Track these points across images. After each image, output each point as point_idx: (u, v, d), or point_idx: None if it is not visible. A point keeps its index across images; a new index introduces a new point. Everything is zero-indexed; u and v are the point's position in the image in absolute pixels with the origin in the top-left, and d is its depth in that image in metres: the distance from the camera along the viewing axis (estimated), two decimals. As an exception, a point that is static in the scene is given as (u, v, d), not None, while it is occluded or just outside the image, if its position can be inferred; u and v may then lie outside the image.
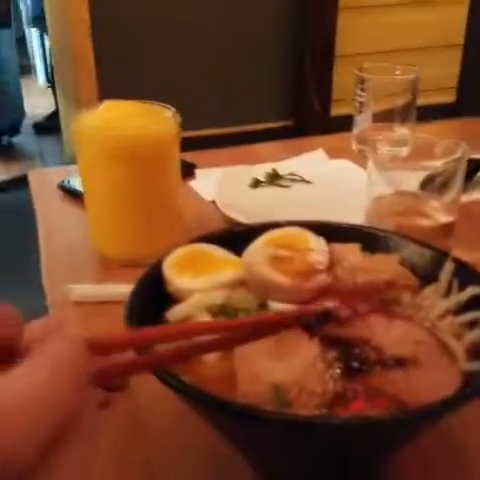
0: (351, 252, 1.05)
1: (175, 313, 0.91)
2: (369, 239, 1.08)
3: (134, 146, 1.01)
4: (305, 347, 0.84)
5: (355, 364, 0.83)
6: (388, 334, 0.88)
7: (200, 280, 0.95)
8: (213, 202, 1.70)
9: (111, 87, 3.19)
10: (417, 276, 1.02)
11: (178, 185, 1.18)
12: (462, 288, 0.95)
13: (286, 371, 0.80)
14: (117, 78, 3.55)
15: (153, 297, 0.92)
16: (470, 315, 0.90)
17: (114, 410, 0.93)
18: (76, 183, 1.35)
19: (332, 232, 1.10)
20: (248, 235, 1.08)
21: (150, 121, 1.04)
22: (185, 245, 1.02)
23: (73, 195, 1.38)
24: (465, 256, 1.18)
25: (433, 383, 0.78)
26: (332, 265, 1.00)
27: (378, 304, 0.94)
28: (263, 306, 0.91)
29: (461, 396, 0.71)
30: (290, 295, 0.91)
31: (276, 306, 0.90)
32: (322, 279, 0.93)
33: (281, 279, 0.92)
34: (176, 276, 0.96)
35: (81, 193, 1.14)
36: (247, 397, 0.77)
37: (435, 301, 0.95)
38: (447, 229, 1.46)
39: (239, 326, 0.66)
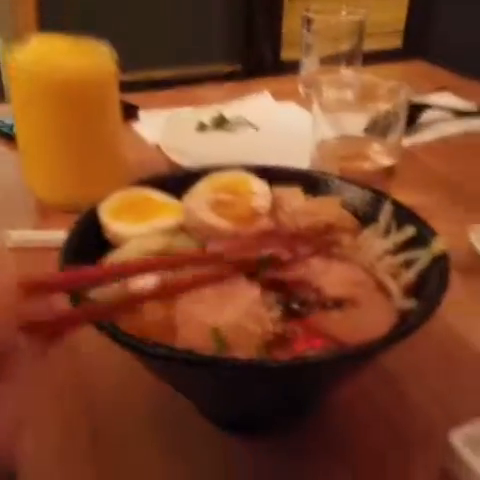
0: (293, 196, 1.04)
1: (112, 259, 0.88)
2: (311, 182, 1.07)
3: (68, 83, 0.95)
4: (245, 291, 0.84)
5: (295, 306, 0.83)
6: (328, 275, 0.88)
7: (139, 226, 0.92)
8: (158, 146, 1.65)
9: (51, 20, 2.98)
10: (358, 218, 1.03)
11: (118, 127, 1.12)
12: (400, 229, 0.96)
13: (226, 315, 0.79)
14: (58, 11, 3.33)
15: (89, 243, 0.89)
16: (407, 255, 0.91)
17: (55, 359, 0.91)
18: (11, 123, 1.26)
19: (275, 176, 1.08)
20: (189, 179, 1.05)
21: (84, 57, 0.98)
22: (124, 189, 0.99)
23: (7, 136, 1.31)
24: (405, 198, 1.19)
25: (370, 322, 0.79)
26: (274, 209, 0.99)
27: (319, 247, 0.94)
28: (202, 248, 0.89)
29: (394, 335, 0.72)
30: (232, 238, 0.90)
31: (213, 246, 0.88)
32: (264, 224, 0.92)
33: (222, 224, 0.90)
34: (114, 221, 0.92)
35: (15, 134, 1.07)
36: (186, 342, 0.76)
37: (374, 242, 0.95)
38: (389, 172, 1.47)
39: (178, 262, 0.65)
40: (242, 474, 0.82)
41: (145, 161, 1.54)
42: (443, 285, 0.81)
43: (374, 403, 0.92)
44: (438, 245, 0.88)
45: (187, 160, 1.49)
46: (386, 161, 1.44)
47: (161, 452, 0.83)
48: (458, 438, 0.79)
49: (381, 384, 0.94)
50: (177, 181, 1.05)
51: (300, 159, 1.42)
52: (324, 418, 0.89)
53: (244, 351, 0.74)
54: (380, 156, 1.46)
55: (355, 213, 1.03)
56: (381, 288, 0.87)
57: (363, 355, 0.68)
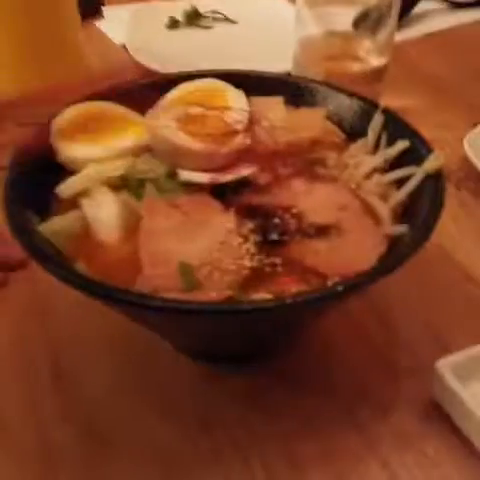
0: (273, 107, 0.93)
1: (67, 188, 0.78)
2: (293, 91, 0.96)
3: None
4: (218, 220, 0.75)
5: (274, 235, 0.75)
6: (310, 199, 0.80)
7: (97, 147, 0.81)
8: (124, 47, 1.50)
9: None
10: (344, 132, 0.93)
11: (74, 18, 0.98)
12: (391, 143, 0.87)
13: (196, 249, 0.71)
14: None
15: (39, 169, 0.78)
16: (398, 173, 0.82)
17: (14, 290, 0.86)
18: None
19: (253, 84, 0.96)
20: (156, 90, 0.93)
21: None
22: (78, 103, 0.87)
23: None
24: (396, 102, 1.09)
25: (356, 252, 0.72)
26: (252, 124, 0.88)
27: (301, 166, 0.85)
28: (172, 175, 0.80)
29: (379, 269, 0.65)
30: (203, 161, 0.80)
31: (187, 175, 0.79)
32: (239, 142, 0.82)
33: (192, 143, 0.80)
34: (67, 143, 0.82)
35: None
36: (152, 281, 0.69)
37: (362, 159, 0.86)
38: (379, 73, 1.34)
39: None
40: (209, 400, 0.78)
41: (110, 64, 1.39)
42: (437, 208, 0.73)
43: (359, 331, 0.87)
44: (433, 162, 0.79)
45: (157, 63, 1.35)
46: (376, 61, 1.31)
47: (126, 380, 0.79)
48: (445, 367, 0.75)
49: (367, 312, 0.89)
50: (141, 93, 0.94)
51: (282, 59, 1.29)
52: (302, 347, 0.84)
53: (217, 290, 0.67)
54: (370, 55, 1.32)
55: (341, 126, 0.93)
56: (369, 211, 0.79)
57: (345, 293, 0.62)
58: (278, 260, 0.72)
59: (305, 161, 0.86)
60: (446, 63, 1.53)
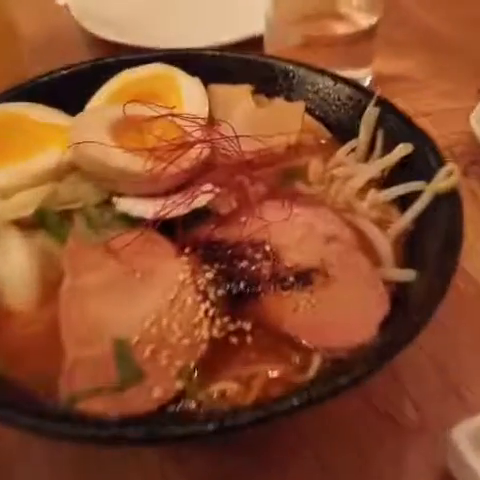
0: (239, 99, 0.74)
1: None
2: (265, 75, 0.76)
3: None
4: (168, 269, 0.58)
5: (240, 286, 0.58)
6: (288, 230, 0.62)
7: (5, 170, 0.62)
8: (66, 8, 1.26)
9: None
10: (330, 129, 0.74)
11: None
12: (390, 145, 0.68)
13: (137, 315, 0.54)
14: None
15: None
16: (400, 189, 0.64)
17: None
18: None
19: (213, 68, 0.76)
20: (87, 82, 0.73)
21: None
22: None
23: None
24: (389, 66, 0.90)
25: (348, 314, 0.55)
26: (211, 127, 0.68)
27: (275, 183, 0.66)
28: (107, 205, 0.62)
29: (383, 352, 0.48)
30: (146, 186, 0.61)
31: (125, 205, 0.60)
32: (194, 157, 0.63)
33: (129, 163, 0.61)
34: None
35: None
36: (79, 366, 0.51)
37: (352, 169, 0.68)
38: (369, 35, 1.13)
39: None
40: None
41: (51, 31, 1.17)
42: (455, 244, 0.56)
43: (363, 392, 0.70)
44: (445, 178, 0.61)
45: (105, 28, 1.13)
46: (365, 20, 1.09)
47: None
48: (460, 434, 0.61)
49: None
50: (68, 85, 0.74)
51: (253, 22, 1.08)
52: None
53: (165, 381, 0.50)
54: (358, 12, 1.10)
55: (326, 121, 0.74)
56: (362, 243, 0.62)
57: (332, 396, 0.45)
58: (247, 325, 0.54)
59: (281, 174, 0.67)
60: (447, 17, 1.31)
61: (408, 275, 0.56)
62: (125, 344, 0.53)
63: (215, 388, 0.51)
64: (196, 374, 0.52)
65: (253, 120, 0.69)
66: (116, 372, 0.51)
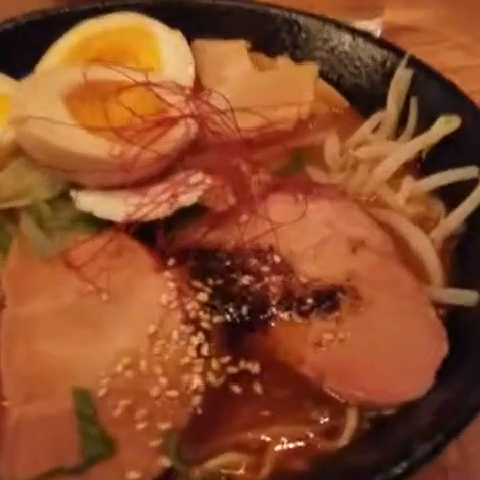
0: (233, 59, 0.58)
1: None
2: (265, 28, 0.61)
3: None
4: (146, 289, 0.44)
5: (244, 310, 0.44)
6: (303, 233, 0.48)
7: None
8: None
9: None
10: (347, 96, 0.60)
11: None
12: (427, 119, 0.54)
13: (103, 357, 0.40)
14: None
15: None
16: (449, 175, 0.50)
17: None
18: None
19: (199, 18, 0.61)
20: (42, 35, 0.57)
21: None
22: None
23: None
24: (402, 16, 0.81)
25: (393, 352, 0.41)
26: (198, 97, 0.53)
27: (282, 170, 0.52)
28: (63, 196, 0.48)
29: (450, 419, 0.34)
30: (115, 175, 0.47)
31: (86, 202, 0.46)
32: (177, 137, 0.48)
33: (94, 145, 0.46)
34: None
35: None
36: (24, 431, 0.38)
37: (381, 149, 0.54)
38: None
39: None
40: None
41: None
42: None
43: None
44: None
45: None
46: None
47: None
48: None
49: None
50: (13, 43, 0.58)
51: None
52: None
53: (143, 454, 0.37)
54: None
55: (343, 87, 0.60)
56: (400, 250, 0.48)
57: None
58: (254, 366, 0.41)
59: (289, 157, 0.53)
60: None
61: (468, 298, 0.43)
62: (89, 398, 0.39)
63: (214, 463, 0.37)
64: (187, 443, 0.38)
65: (252, 87, 0.55)
66: (77, 441, 0.37)
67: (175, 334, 0.42)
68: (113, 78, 0.51)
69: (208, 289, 0.45)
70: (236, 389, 0.40)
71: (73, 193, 0.47)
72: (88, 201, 0.47)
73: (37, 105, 0.46)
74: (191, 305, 0.44)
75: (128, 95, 0.50)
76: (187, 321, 0.43)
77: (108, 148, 0.46)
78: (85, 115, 0.48)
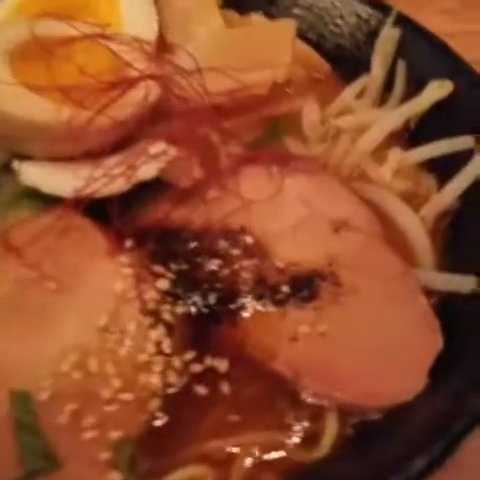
0: (203, 14, 0.53)
1: None
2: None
3: None
4: (97, 279, 0.39)
5: (211, 299, 0.39)
6: (279, 211, 0.43)
7: None
8: None
9: None
10: (329, 58, 0.54)
11: None
12: (415, 84, 0.49)
13: (47, 354, 0.35)
14: None
15: None
16: (441, 145, 0.45)
17: None
18: None
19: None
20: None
21: None
22: None
23: None
24: None
25: (379, 347, 0.36)
26: (162, 56, 0.47)
27: (255, 140, 0.46)
28: (4, 168, 0.43)
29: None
30: (63, 144, 0.41)
31: (31, 173, 0.40)
32: (136, 101, 0.42)
33: (39, 108, 0.40)
34: None
35: None
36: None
37: (365, 117, 0.49)
38: None
39: None
40: None
41: None
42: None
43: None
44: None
45: None
46: None
47: None
48: None
49: None
50: None
51: None
52: None
53: (91, 468, 0.32)
54: None
55: (323, 49, 0.54)
56: (386, 230, 0.43)
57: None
58: (221, 363, 0.36)
59: (263, 126, 0.48)
60: None
61: (462, 283, 0.38)
62: (28, 402, 0.34)
63: (174, 478, 0.32)
64: (143, 455, 0.33)
65: (222, 46, 0.50)
66: (15, 451, 0.32)
67: (131, 327, 0.37)
68: (63, 33, 0.45)
69: (170, 275, 0.40)
70: (201, 390, 0.36)
71: (16, 164, 0.42)
72: (33, 174, 0.42)
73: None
74: (150, 294, 0.39)
75: (79, 52, 0.44)
76: (145, 312, 0.38)
77: (55, 112, 0.40)
78: (31, 75, 0.42)
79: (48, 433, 0.33)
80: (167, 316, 0.38)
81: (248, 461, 0.34)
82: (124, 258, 0.40)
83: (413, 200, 0.45)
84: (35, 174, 0.42)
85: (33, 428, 0.33)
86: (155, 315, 0.38)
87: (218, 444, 0.34)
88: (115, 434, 0.33)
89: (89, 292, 0.38)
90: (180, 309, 0.39)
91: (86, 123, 0.41)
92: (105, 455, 0.33)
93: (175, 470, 0.33)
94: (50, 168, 0.42)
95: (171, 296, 0.39)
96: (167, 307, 0.38)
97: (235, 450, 0.34)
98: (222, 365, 0.37)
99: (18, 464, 0.33)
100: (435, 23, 0.67)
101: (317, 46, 0.55)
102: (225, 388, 0.36)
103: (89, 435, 0.33)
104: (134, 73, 0.44)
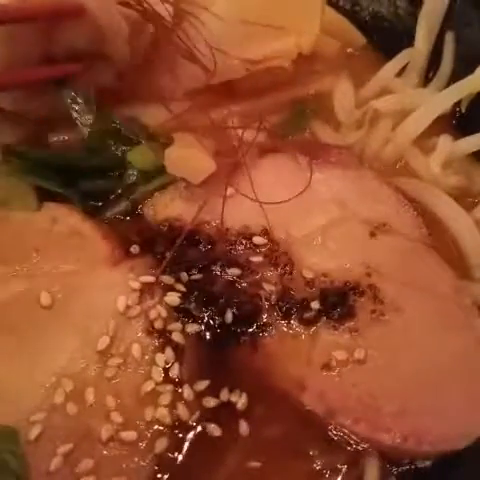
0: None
1: None
2: None
3: None
4: (97, 293, 0.33)
5: (228, 316, 0.34)
6: (307, 211, 0.38)
7: None
8: None
9: None
10: (364, 31, 0.48)
11: None
12: (466, 62, 0.43)
13: (37, 382, 0.30)
14: None
15: None
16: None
17: None
18: None
19: None
20: None
21: None
22: None
23: None
24: None
25: (428, 380, 0.31)
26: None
27: (279, 125, 0.41)
28: None
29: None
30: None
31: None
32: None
33: None
34: None
35: None
36: None
37: (408, 99, 0.43)
38: None
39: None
40: None
41: None
42: None
43: None
44: None
45: None
46: None
47: None
48: None
49: None
50: None
51: None
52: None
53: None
54: None
55: (359, 19, 0.49)
56: (434, 234, 0.38)
57: None
58: (241, 397, 0.32)
59: (288, 108, 0.43)
60: None
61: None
62: (16, 441, 0.29)
63: None
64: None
65: (241, 9, 0.42)
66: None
67: (135, 350, 0.32)
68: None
69: (181, 287, 0.35)
70: (215, 432, 0.31)
71: None
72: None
73: None
74: (157, 310, 0.34)
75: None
76: (151, 332, 0.33)
77: None
78: None
79: (35, 480, 0.29)
80: (176, 337, 0.33)
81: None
82: (128, 267, 0.35)
83: (465, 198, 0.40)
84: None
85: (19, 475, 0.29)
86: (163, 335, 0.33)
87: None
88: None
89: (88, 307, 0.34)
90: (191, 328, 0.34)
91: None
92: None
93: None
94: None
95: (181, 313, 0.34)
96: (177, 326, 0.34)
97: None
98: (241, 400, 0.32)
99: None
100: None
101: (352, 16, 0.49)
102: (244, 428, 0.31)
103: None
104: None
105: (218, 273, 0.38)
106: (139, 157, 0.42)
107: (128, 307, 0.36)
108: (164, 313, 0.37)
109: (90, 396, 0.34)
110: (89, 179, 0.42)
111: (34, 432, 0.33)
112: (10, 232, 0.40)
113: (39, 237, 0.39)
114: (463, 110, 0.46)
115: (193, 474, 0.32)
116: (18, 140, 0.47)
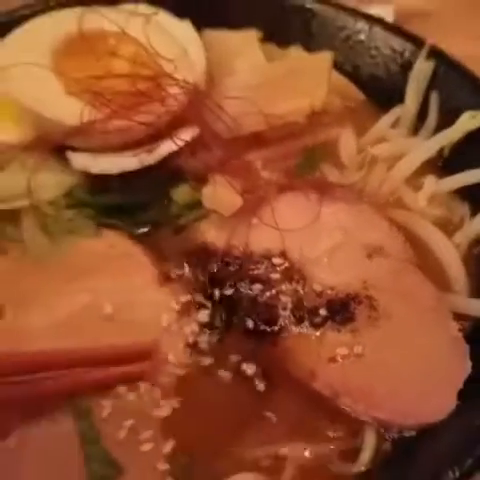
0: (244, 49, 0.56)
1: None
2: (273, 16, 0.59)
3: None
4: (147, 308, 0.42)
5: (249, 323, 0.42)
6: (316, 237, 0.46)
7: None
8: None
9: None
10: (364, 89, 0.58)
11: None
12: (448, 115, 0.52)
13: None
14: None
15: None
16: (475, 174, 0.48)
17: None
18: None
19: (207, 8, 0.59)
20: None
21: None
22: None
23: None
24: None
25: (414, 368, 0.39)
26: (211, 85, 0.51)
27: (294, 168, 0.50)
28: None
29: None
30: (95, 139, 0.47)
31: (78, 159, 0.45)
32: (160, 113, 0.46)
33: (67, 108, 0.46)
34: None
35: None
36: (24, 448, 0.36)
37: (401, 146, 0.52)
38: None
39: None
40: None
41: None
42: None
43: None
44: None
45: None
46: None
47: None
48: None
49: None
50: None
51: None
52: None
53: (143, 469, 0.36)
54: None
55: (358, 79, 0.58)
56: (420, 256, 0.46)
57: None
58: (260, 384, 0.39)
59: (301, 154, 0.51)
60: None
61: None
62: (92, 417, 0.37)
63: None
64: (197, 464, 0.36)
65: (263, 78, 0.52)
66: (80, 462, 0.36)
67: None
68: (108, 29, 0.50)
69: (210, 304, 0.43)
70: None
71: (68, 154, 0.48)
72: (81, 160, 0.47)
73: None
74: (191, 327, 0.42)
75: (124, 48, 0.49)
76: (186, 346, 0.41)
77: (81, 114, 0.46)
78: (72, 68, 0.48)
79: (110, 445, 0.37)
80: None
81: (295, 468, 0.37)
82: (171, 288, 0.43)
83: (447, 227, 0.48)
84: (82, 160, 0.47)
85: (96, 440, 0.37)
86: (194, 348, 0.41)
87: (266, 451, 0.37)
88: (170, 446, 0.37)
89: (139, 324, 0.42)
90: (215, 331, 0.42)
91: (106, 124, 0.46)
92: (162, 465, 0.36)
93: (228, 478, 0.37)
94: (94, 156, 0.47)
95: (210, 326, 0.42)
96: (204, 338, 0.42)
97: (284, 456, 0.37)
98: (260, 385, 0.40)
99: (84, 473, 0.37)
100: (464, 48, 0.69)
101: (353, 77, 0.59)
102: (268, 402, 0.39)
103: (147, 447, 0.37)
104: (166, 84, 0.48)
105: (244, 289, 0.47)
106: (182, 195, 0.51)
107: (169, 324, 0.44)
108: (196, 329, 0.44)
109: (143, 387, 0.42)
110: (141, 210, 0.51)
111: (105, 412, 0.41)
112: (78, 256, 0.49)
113: (100, 259, 0.48)
114: (446, 154, 0.55)
115: (232, 436, 0.39)
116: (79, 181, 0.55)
